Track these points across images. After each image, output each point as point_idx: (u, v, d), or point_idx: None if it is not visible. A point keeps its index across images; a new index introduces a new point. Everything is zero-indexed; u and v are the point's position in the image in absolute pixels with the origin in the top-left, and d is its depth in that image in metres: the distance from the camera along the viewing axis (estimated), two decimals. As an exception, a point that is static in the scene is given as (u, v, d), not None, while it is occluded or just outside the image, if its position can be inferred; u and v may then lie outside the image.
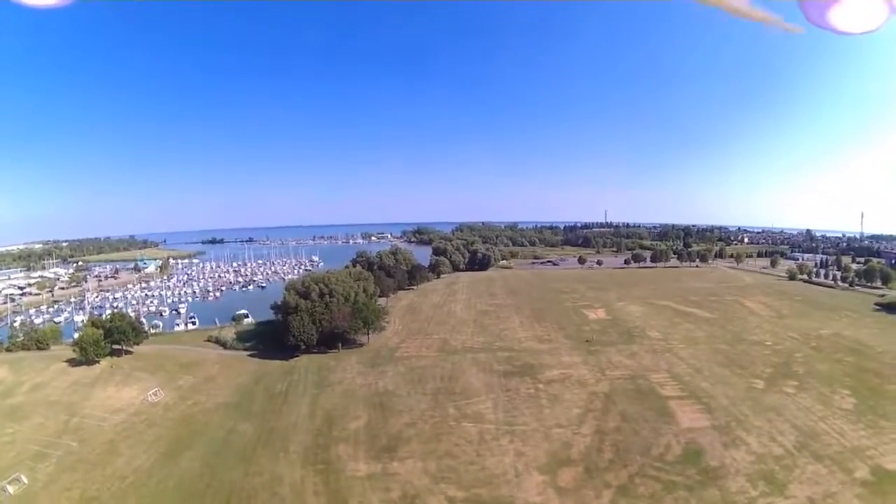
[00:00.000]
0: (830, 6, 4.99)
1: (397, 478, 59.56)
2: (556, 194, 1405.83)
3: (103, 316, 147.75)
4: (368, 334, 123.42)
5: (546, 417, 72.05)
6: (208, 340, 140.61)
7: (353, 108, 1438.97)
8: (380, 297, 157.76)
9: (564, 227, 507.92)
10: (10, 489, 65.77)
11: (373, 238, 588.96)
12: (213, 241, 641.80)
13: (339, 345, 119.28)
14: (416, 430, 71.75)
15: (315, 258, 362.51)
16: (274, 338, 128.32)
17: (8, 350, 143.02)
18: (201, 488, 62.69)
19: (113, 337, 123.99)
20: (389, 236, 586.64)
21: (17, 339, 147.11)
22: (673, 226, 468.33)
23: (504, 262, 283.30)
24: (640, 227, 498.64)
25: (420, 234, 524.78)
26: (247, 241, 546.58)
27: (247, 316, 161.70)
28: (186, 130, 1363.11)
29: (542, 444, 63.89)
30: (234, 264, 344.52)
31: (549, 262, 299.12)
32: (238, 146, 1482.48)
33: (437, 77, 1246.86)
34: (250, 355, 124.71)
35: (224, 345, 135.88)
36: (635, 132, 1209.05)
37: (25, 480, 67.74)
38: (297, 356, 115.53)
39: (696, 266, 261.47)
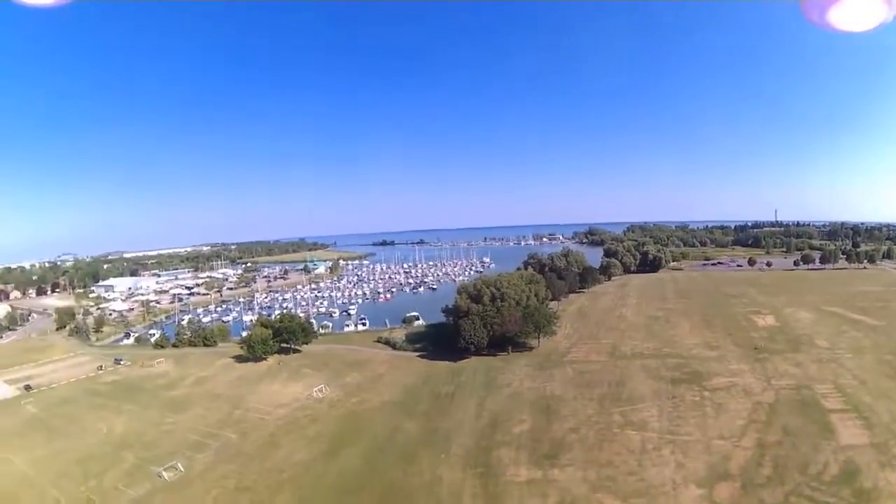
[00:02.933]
0: (830, 5, 5.20)
1: (556, 485, 61.35)
2: (726, 193, 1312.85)
3: (272, 316, 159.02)
4: (539, 338, 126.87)
5: (709, 427, 73.80)
6: (378, 341, 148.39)
7: (520, 111, 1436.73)
8: (551, 300, 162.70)
9: (735, 227, 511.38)
10: (166, 475, 72.63)
11: (544, 239, 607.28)
12: (384, 244, 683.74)
13: (509, 348, 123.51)
14: (579, 435, 74.09)
15: (486, 259, 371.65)
16: (443, 340, 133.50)
17: (175, 346, 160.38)
18: (359, 485, 65.53)
19: (281, 336, 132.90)
20: (561, 238, 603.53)
21: (184, 337, 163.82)
22: (842, 224, 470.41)
23: (674, 263, 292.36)
24: (809, 225, 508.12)
25: (591, 236, 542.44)
26: (417, 243, 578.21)
27: (417, 318, 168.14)
28: (358, 134, 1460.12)
29: (703, 456, 65.50)
30: (405, 266, 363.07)
31: (719, 263, 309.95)
32: (407, 149, 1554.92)
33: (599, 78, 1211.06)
34: (419, 356, 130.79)
35: (393, 346, 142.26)
36: (805, 125, 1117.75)
37: (182, 468, 74.45)
38: (467, 358, 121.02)
39: (864, 268, 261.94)
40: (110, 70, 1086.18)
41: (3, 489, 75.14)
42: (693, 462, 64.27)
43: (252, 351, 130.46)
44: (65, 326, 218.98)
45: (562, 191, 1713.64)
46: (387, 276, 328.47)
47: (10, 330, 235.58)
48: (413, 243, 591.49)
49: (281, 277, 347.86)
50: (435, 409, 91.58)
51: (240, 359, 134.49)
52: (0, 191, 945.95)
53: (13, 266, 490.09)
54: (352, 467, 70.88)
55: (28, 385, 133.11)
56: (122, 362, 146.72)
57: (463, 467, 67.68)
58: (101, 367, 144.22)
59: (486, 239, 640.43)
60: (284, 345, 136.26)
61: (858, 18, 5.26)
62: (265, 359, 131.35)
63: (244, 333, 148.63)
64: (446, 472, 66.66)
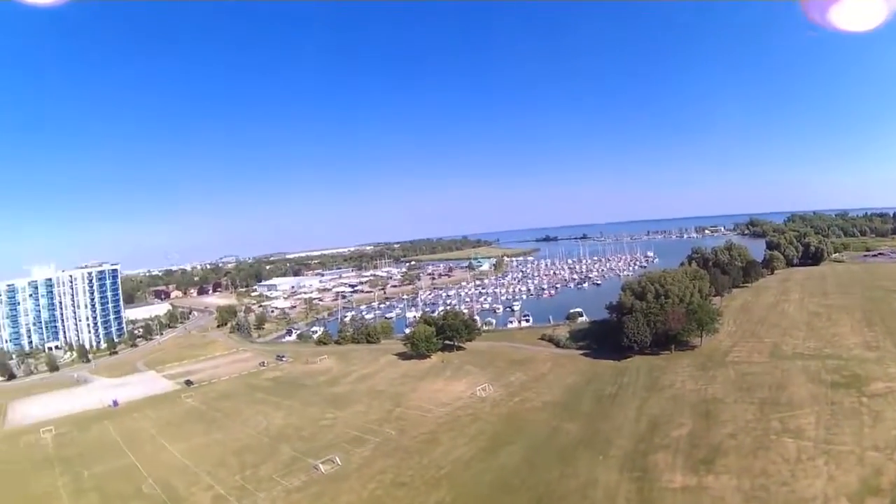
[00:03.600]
0: (831, 5, 5.36)
1: (709, 492, 61.00)
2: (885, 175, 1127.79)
3: (435, 313, 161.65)
4: (702, 336, 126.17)
5: (864, 437, 70.04)
6: (541, 339, 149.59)
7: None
8: (714, 295, 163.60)
9: (894, 214, 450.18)
10: (323, 468, 77.55)
11: (706, 231, 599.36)
12: (547, 239, 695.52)
13: (672, 347, 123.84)
14: (736, 441, 73.05)
15: (650, 254, 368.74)
16: (607, 337, 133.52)
17: (337, 343, 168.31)
18: (516, 485, 66.72)
19: (445, 333, 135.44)
20: (723, 229, 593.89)
21: (347, 333, 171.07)
22: None
23: (836, 255, 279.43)
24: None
25: (752, 227, 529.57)
26: (580, 238, 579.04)
27: (581, 314, 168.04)
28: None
29: (856, 469, 62.56)
30: (569, 261, 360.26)
31: (880, 254, 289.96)
32: (570, 143, 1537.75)
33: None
34: (582, 354, 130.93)
35: (557, 343, 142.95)
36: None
37: (339, 462, 78.90)
38: (630, 357, 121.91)
39: None
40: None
41: (157, 474, 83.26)
42: (845, 475, 61.95)
43: (415, 348, 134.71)
44: (225, 323, 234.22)
45: (722, 179, 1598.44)
46: (551, 272, 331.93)
47: (170, 327, 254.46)
48: (576, 238, 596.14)
49: (445, 275, 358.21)
50: (596, 410, 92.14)
51: (403, 356, 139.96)
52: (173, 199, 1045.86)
53: (174, 268, 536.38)
54: (509, 466, 72.21)
55: (189, 380, 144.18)
56: (284, 359, 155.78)
57: (619, 470, 68.23)
58: (264, 363, 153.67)
59: (648, 233, 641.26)
60: (448, 342, 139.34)
61: (859, 18, 5.34)
62: (428, 356, 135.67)
63: (407, 330, 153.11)
64: (602, 475, 67.30)
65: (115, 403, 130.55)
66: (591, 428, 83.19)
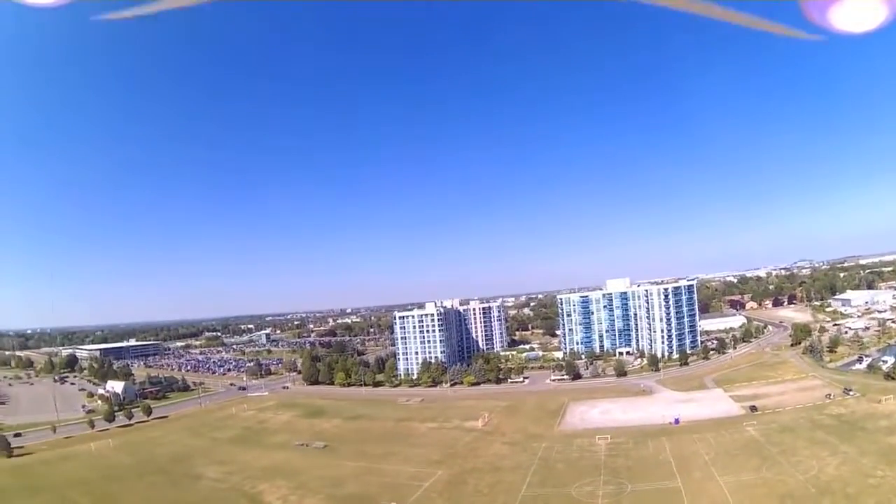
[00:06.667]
0: (831, 5, 5.35)
1: None
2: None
3: None
4: None
5: None
6: None
7: None
8: None
9: None
10: None
11: None
12: None
13: None
14: None
15: None
16: None
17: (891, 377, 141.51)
18: None
19: None
20: None
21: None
22: None
23: None
24: None
25: None
26: None
27: None
28: None
29: None
30: None
31: None
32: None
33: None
34: None
35: None
36: None
37: None
38: None
39: None
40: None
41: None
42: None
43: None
44: (799, 343, 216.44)
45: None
46: None
47: (744, 342, 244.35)
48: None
49: None
50: None
51: None
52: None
53: (748, 274, 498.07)
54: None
55: (753, 406, 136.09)
56: (851, 393, 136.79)
57: None
58: (830, 395, 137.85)
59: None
60: None
61: (859, 18, 5.35)
62: None
63: None
64: None
65: (677, 421, 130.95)
66: None
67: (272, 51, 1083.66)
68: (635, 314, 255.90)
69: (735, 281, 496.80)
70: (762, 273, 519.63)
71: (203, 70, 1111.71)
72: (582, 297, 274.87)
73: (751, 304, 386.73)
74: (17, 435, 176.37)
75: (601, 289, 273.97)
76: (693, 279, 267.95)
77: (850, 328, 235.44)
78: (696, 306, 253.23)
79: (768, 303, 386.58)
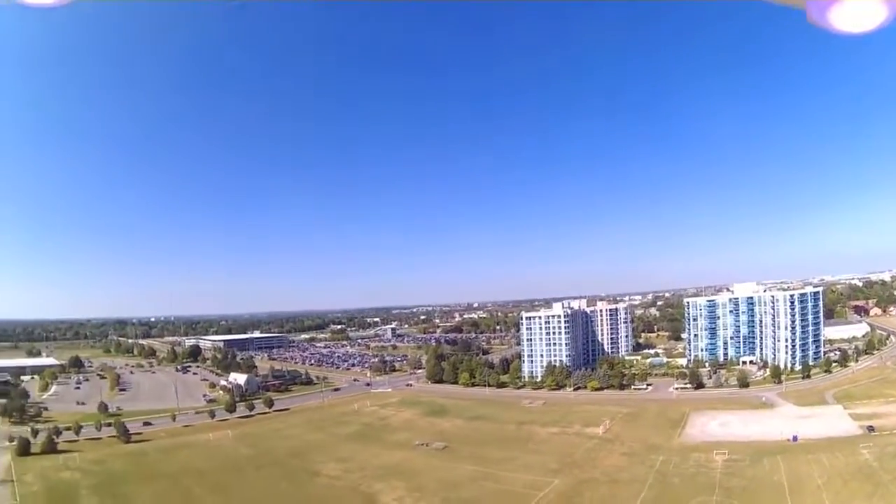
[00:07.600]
0: (831, 5, 5.13)
1: None
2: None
3: None
4: None
5: None
6: None
7: None
8: None
9: None
10: None
11: None
12: None
13: None
14: None
15: None
16: None
17: None
18: None
19: None
20: None
21: None
22: None
23: None
24: None
25: None
26: None
27: None
28: None
29: None
30: None
31: None
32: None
33: None
34: None
35: None
36: None
37: None
38: None
39: None
40: None
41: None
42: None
43: None
44: None
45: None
46: None
47: (866, 353, 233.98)
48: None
49: None
50: None
51: None
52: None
53: (873, 277, 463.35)
54: None
55: (871, 426, 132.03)
56: None
57: None
58: None
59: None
60: None
61: (860, 18, 5.18)
62: None
63: None
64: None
65: (795, 439, 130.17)
66: None
67: (281, 47, 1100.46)
68: (760, 321, 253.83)
69: (860, 285, 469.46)
70: (887, 277, 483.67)
71: (217, 68, 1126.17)
72: (709, 300, 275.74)
73: (874, 311, 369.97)
74: (146, 424, 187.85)
75: (727, 288, 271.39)
76: (819, 284, 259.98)
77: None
78: (822, 314, 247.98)
79: (893, 309, 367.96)
